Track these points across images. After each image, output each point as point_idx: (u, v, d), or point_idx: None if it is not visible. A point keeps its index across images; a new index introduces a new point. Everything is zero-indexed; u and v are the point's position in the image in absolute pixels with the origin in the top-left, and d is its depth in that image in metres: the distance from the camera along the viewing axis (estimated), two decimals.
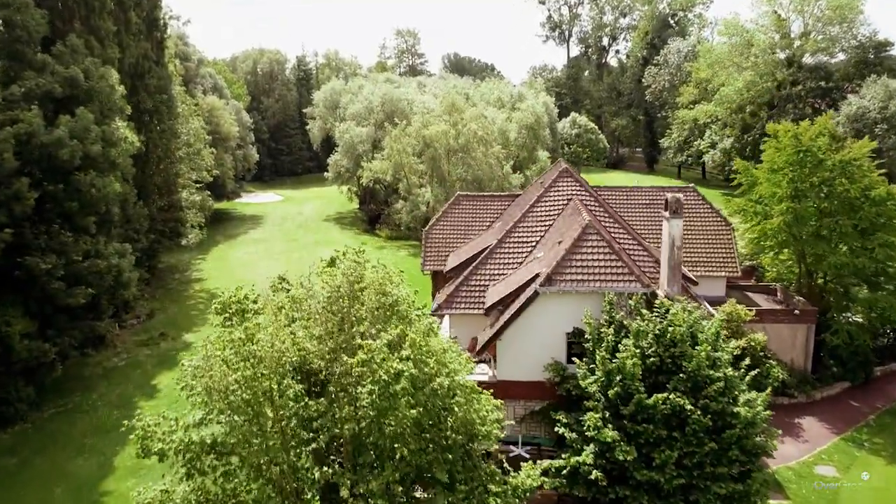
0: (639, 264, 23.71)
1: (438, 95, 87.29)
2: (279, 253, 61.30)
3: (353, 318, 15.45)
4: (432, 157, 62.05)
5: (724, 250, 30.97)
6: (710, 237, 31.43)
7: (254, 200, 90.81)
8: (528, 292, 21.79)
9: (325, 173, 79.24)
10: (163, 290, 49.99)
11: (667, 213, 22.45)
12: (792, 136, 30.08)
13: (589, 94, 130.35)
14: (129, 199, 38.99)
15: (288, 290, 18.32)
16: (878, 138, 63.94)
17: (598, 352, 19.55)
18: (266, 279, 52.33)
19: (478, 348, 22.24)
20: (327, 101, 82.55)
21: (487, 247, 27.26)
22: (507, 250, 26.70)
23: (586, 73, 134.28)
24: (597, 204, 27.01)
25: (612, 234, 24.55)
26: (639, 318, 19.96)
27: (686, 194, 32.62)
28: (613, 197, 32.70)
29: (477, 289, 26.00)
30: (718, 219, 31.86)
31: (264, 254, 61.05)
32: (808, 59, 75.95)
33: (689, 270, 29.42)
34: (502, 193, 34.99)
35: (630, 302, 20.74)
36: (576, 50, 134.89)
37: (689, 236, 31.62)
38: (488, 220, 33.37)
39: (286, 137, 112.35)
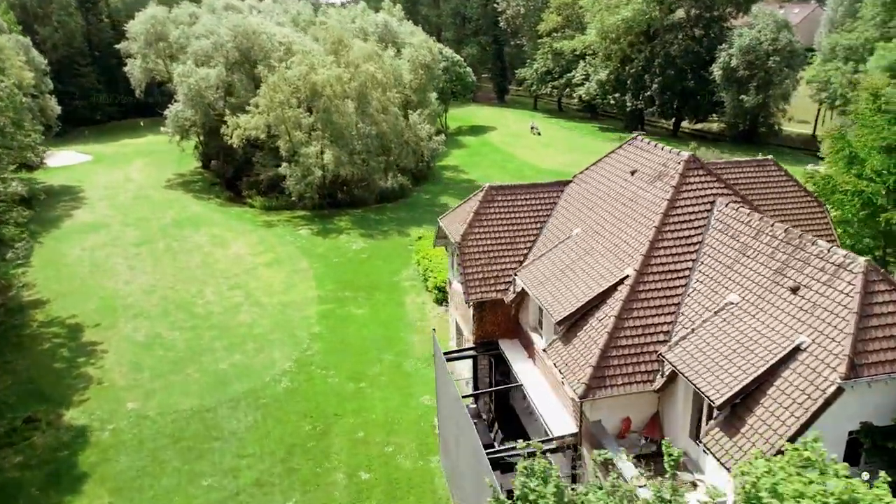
0: None
1: (285, 24, 73.02)
2: (135, 244, 46.35)
3: None
4: (325, 109, 50.09)
5: None
6: (800, 225, 25.95)
7: (55, 164, 70.28)
8: (804, 381, 14.24)
9: (142, 121, 62.25)
10: None
11: None
12: None
13: (428, 20, 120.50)
14: None
15: None
16: (770, 71, 63.95)
17: None
18: (139, 288, 37.78)
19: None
20: (149, 33, 64.44)
21: (620, 281, 18.93)
22: (654, 287, 18.65)
23: None
24: (749, 208, 19.79)
25: None
26: None
27: (766, 168, 26.61)
28: None
29: (634, 352, 17.83)
30: (809, 199, 26.38)
31: (114, 247, 45.74)
32: None
33: None
34: (544, 182, 26.30)
35: None
36: None
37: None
38: (538, 220, 24.73)
39: (77, 77, 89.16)
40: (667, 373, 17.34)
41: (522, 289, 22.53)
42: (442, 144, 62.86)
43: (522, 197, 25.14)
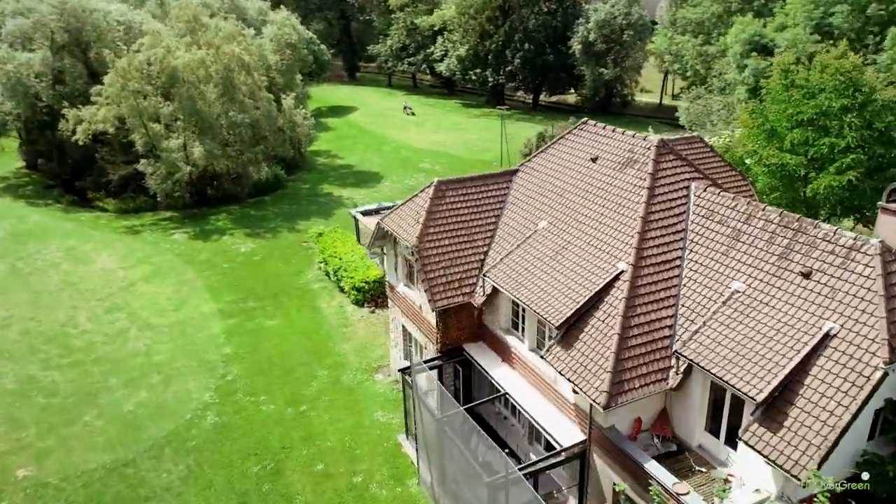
0: None
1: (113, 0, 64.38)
2: None
3: None
4: (188, 97, 44.71)
5: None
6: None
7: None
8: (843, 369, 14.21)
9: None
10: None
11: None
12: (838, 69, 25.51)
13: None
14: None
15: None
16: (625, 45, 66.96)
17: None
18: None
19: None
20: None
21: (615, 276, 18.05)
22: (651, 281, 17.96)
23: None
24: (718, 190, 19.78)
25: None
26: None
27: (694, 145, 27.05)
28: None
29: (645, 351, 17.09)
30: (734, 173, 27.19)
31: None
32: None
33: None
34: (493, 173, 24.70)
35: None
36: None
37: None
38: (492, 213, 23.29)
39: None
40: (682, 369, 16.86)
41: (493, 290, 21.16)
42: (314, 129, 59.11)
43: (473, 190, 23.54)
